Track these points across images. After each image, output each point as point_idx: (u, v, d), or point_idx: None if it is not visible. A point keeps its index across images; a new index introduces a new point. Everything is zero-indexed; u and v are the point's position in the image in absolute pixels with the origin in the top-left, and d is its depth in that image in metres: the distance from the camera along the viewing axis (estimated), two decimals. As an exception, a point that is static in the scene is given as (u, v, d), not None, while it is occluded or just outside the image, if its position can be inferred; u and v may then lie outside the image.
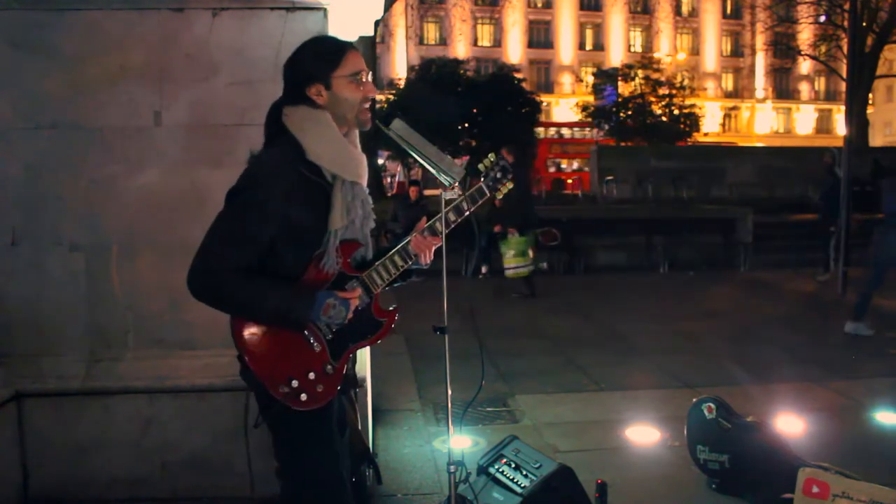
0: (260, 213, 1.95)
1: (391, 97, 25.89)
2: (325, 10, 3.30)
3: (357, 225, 2.08)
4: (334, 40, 2.14)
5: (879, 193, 6.71)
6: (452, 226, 2.21)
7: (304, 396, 1.99)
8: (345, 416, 2.26)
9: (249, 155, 2.07)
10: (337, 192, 2.02)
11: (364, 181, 2.11)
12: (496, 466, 3.08)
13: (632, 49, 48.39)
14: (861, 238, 8.13)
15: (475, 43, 48.02)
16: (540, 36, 49.92)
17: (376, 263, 2.12)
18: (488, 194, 2.26)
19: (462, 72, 27.62)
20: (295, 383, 1.99)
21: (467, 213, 2.22)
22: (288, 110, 2.05)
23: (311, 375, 2.01)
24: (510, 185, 2.29)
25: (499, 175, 2.26)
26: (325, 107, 2.04)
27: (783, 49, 35.05)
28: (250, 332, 2.00)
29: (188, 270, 1.97)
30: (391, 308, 2.18)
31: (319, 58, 2.05)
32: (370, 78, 2.09)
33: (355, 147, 2.13)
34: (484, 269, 10.74)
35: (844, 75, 24.90)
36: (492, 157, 2.28)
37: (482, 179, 2.26)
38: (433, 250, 2.17)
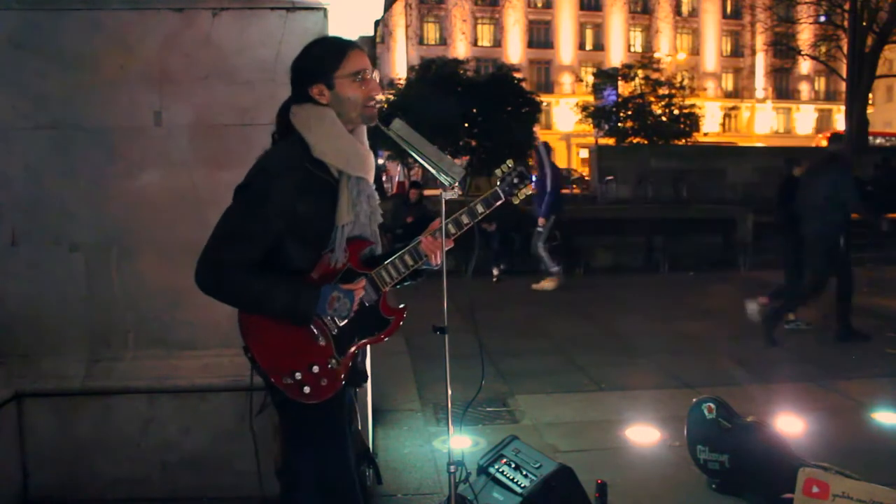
0: (266, 207, 1.99)
1: (391, 97, 25.86)
2: (325, 10, 3.30)
3: (363, 221, 2.11)
4: (337, 41, 2.17)
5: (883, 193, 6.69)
6: (465, 228, 2.23)
7: (307, 389, 2.02)
8: (353, 409, 2.28)
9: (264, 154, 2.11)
10: (343, 187, 2.06)
11: (370, 177, 2.14)
12: (496, 466, 3.07)
13: (632, 49, 48.32)
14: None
15: (475, 43, 47.96)
16: (540, 36, 49.89)
17: (386, 262, 2.15)
18: (503, 198, 2.27)
19: (462, 72, 27.58)
20: (298, 375, 2.02)
21: (480, 216, 2.23)
22: (294, 109, 2.10)
23: (315, 369, 2.04)
24: (528, 191, 2.29)
25: (516, 181, 2.27)
26: (328, 105, 2.08)
27: (783, 49, 35.01)
28: (256, 324, 2.04)
29: (196, 263, 2.00)
30: (400, 307, 2.19)
31: (321, 59, 2.09)
32: (374, 76, 2.11)
33: (362, 144, 2.16)
34: (496, 271, 10.40)
35: (844, 75, 24.96)
36: (510, 162, 2.29)
37: (498, 184, 2.27)
38: (443, 252, 2.18)
